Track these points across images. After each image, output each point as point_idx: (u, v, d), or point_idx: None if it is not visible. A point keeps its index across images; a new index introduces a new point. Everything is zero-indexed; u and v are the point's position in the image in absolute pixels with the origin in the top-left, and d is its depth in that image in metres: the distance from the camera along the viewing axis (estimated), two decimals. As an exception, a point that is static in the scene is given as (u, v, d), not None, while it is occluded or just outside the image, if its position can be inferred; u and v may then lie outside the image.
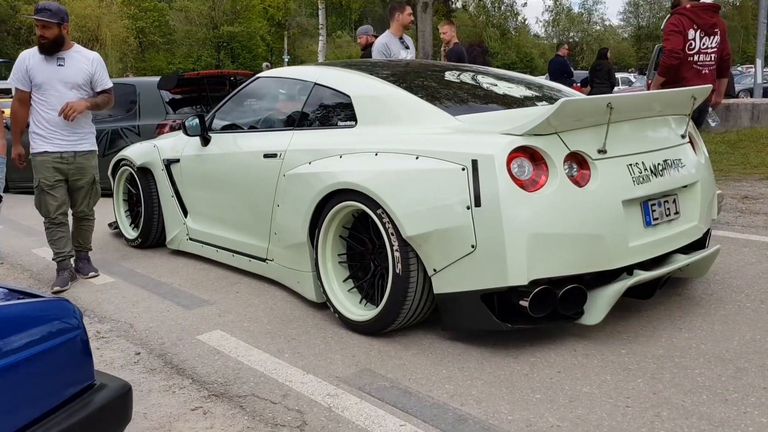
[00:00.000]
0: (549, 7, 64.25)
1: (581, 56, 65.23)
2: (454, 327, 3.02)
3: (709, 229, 3.64)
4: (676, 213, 3.21)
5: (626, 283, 2.89)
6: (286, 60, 35.23)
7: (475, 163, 2.80)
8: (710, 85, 3.53)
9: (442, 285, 2.94)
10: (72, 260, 4.44)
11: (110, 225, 5.71)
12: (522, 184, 2.78)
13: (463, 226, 2.81)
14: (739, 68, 28.34)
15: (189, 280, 4.30)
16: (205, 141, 4.46)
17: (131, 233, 5.32)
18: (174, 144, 4.84)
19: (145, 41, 50.69)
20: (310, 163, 3.51)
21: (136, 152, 5.14)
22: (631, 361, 2.80)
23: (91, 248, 4.58)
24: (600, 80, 12.97)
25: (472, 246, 2.80)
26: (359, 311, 3.27)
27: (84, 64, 4.13)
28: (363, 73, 3.71)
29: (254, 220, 4.01)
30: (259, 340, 3.24)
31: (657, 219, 3.10)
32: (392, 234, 3.01)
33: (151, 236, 5.10)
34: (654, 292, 3.20)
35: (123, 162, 5.28)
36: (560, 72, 13.16)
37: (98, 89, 4.16)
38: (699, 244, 3.47)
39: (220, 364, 3.00)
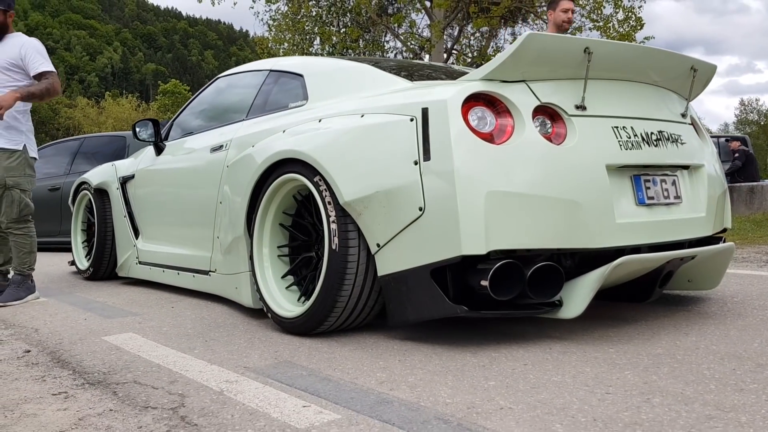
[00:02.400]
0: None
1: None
2: (402, 320, 2.43)
3: (723, 238, 3.07)
4: (677, 197, 2.67)
5: (611, 266, 2.30)
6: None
7: (425, 111, 2.33)
8: (715, 64, 3.05)
9: (387, 264, 2.40)
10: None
11: (70, 262, 5.26)
12: (482, 137, 2.28)
13: (409, 185, 2.30)
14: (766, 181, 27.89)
15: (126, 300, 3.78)
16: (159, 150, 4.06)
17: (84, 263, 4.85)
18: (131, 161, 4.45)
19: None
20: (253, 146, 3.06)
21: (95, 174, 4.76)
22: (619, 358, 2.18)
23: (21, 270, 3.85)
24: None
25: (420, 209, 2.28)
26: (293, 307, 2.71)
27: (14, 47, 3.75)
28: (318, 57, 3.32)
29: (200, 227, 3.52)
30: (172, 340, 2.68)
31: (652, 198, 2.56)
32: (329, 203, 2.51)
33: (103, 265, 4.61)
34: (653, 292, 2.62)
35: (83, 186, 4.89)
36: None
37: (32, 73, 3.76)
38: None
39: (113, 357, 2.44)
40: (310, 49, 19.05)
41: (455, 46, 17.56)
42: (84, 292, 4.17)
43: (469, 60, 17.86)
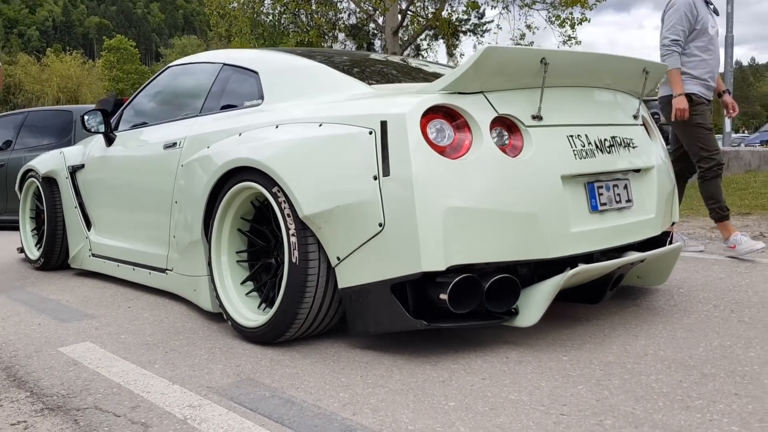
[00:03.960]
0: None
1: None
2: (363, 331, 2.47)
3: (670, 233, 3.17)
4: (628, 201, 2.74)
5: (565, 276, 2.37)
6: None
7: (384, 125, 2.32)
8: (665, 64, 3.12)
9: (347, 277, 2.42)
10: None
11: (19, 249, 5.12)
12: (440, 150, 2.29)
13: (369, 200, 2.31)
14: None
15: (80, 297, 3.72)
16: (110, 140, 3.96)
17: (35, 253, 4.74)
18: (81, 149, 4.33)
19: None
20: (208, 147, 3.01)
21: (42, 161, 4.62)
22: (573, 368, 2.26)
23: None
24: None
25: (380, 224, 2.29)
26: (254, 316, 2.71)
27: None
28: (273, 51, 3.26)
29: (154, 224, 3.47)
30: (132, 351, 2.67)
31: (605, 204, 2.62)
32: (288, 215, 2.50)
33: (55, 255, 4.51)
34: (604, 295, 2.69)
35: (30, 173, 4.74)
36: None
37: None
38: (657, 244, 2.99)
39: (72, 375, 2.42)
40: (261, 8, 18.59)
41: (410, 8, 17.36)
42: (36, 286, 4.08)
43: (424, 22, 17.71)
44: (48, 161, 4.54)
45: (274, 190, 2.54)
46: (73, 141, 7.24)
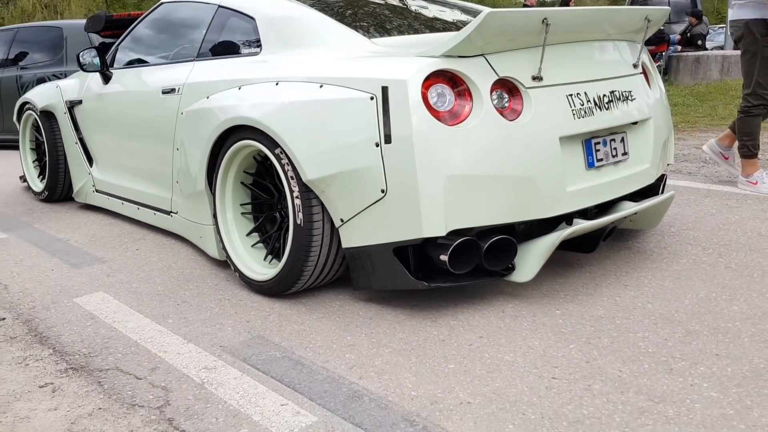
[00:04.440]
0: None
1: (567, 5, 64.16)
2: (366, 287, 2.58)
3: (664, 175, 3.24)
4: (624, 154, 2.79)
5: (561, 235, 2.47)
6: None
7: (385, 90, 2.34)
8: (668, 8, 3.08)
9: (350, 238, 2.51)
10: None
11: (21, 178, 5.17)
12: (441, 117, 2.32)
13: (371, 167, 2.37)
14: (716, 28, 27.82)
15: (88, 237, 3.82)
16: (106, 78, 3.94)
17: (38, 185, 4.80)
18: (78, 84, 4.30)
19: (111, -6, 48.91)
20: (208, 97, 3.02)
21: (39, 94, 4.59)
22: (565, 324, 2.40)
23: None
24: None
25: (382, 191, 2.36)
26: (262, 269, 2.82)
27: None
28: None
29: (157, 168, 3.52)
30: (144, 303, 2.79)
31: (601, 160, 2.68)
32: (292, 178, 2.56)
33: (58, 188, 4.58)
34: (597, 246, 2.79)
35: (27, 106, 4.72)
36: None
37: None
38: (651, 190, 3.07)
39: (90, 331, 2.55)
40: None
41: None
42: (43, 222, 4.17)
43: None
44: (45, 95, 4.51)
45: (277, 151, 2.59)
46: (65, 58, 7.13)
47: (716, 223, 3.53)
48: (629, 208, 2.79)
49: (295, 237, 2.57)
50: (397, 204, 2.34)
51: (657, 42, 12.51)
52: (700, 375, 2.02)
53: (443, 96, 2.36)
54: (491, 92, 2.40)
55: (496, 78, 2.41)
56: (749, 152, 4.16)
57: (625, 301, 2.58)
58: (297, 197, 2.55)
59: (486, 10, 2.25)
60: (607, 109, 2.67)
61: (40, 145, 4.82)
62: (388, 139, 2.32)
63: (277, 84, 2.70)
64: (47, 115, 4.49)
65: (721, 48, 15.98)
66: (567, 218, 2.63)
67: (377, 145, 2.34)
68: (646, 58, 3.08)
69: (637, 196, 2.94)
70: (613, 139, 2.74)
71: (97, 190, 4.22)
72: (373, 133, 2.35)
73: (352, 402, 1.95)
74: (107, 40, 7.29)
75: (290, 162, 2.54)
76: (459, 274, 2.42)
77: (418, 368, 2.13)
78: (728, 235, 3.31)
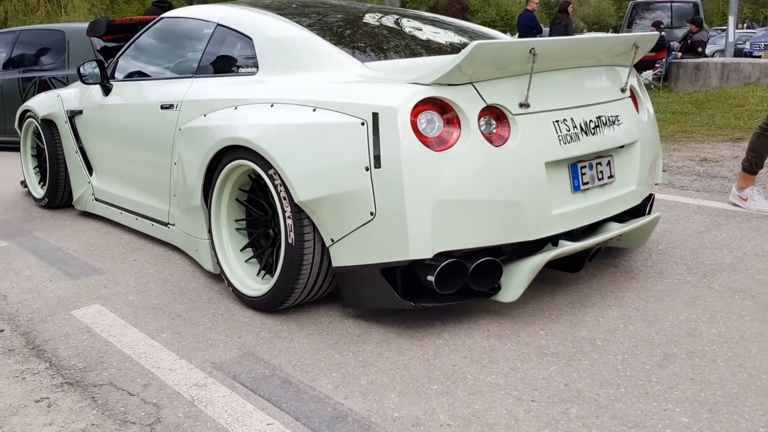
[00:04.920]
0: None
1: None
2: (356, 305, 2.66)
3: (651, 195, 3.31)
4: (611, 176, 2.85)
5: (545, 257, 2.54)
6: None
7: (375, 116, 2.40)
8: (657, 33, 3.14)
9: (340, 257, 2.57)
10: None
11: (22, 183, 5.25)
12: (429, 142, 2.39)
13: (361, 190, 2.43)
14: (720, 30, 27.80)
15: (87, 246, 3.89)
16: (106, 90, 4.01)
17: (39, 192, 4.87)
18: (79, 93, 4.36)
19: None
20: (205, 115, 3.09)
21: (40, 103, 4.66)
22: (548, 344, 2.47)
23: None
24: (557, 35, 12.52)
25: (371, 213, 2.43)
26: (254, 285, 2.89)
27: None
28: (270, 12, 3.26)
29: (155, 180, 3.59)
30: (140, 316, 2.86)
31: (587, 183, 2.74)
32: (284, 198, 2.62)
33: (59, 195, 4.65)
34: (583, 266, 2.86)
35: (28, 113, 4.79)
36: (528, 27, 12.71)
37: None
38: (639, 210, 3.14)
39: (86, 345, 2.62)
40: None
41: None
42: (43, 230, 4.24)
43: None
44: (45, 103, 4.58)
45: (270, 172, 2.65)
46: (67, 62, 7.20)
47: (703, 241, 3.59)
48: (615, 229, 2.86)
49: (286, 255, 2.64)
50: (385, 226, 2.40)
51: (657, 48, 12.55)
52: (674, 399, 2.08)
53: (432, 122, 2.42)
54: (479, 119, 2.47)
55: (484, 105, 2.47)
56: (750, 168, 4.22)
57: (608, 321, 2.65)
58: (289, 217, 2.61)
59: (474, 42, 2.30)
60: (593, 134, 2.73)
61: (41, 152, 4.88)
62: (377, 164, 2.39)
63: (272, 106, 2.77)
64: (48, 124, 4.56)
65: (722, 52, 16.03)
66: (553, 240, 2.69)
67: (367, 169, 2.41)
68: (635, 81, 3.14)
69: (625, 215, 3.01)
70: (600, 163, 2.81)
71: (96, 199, 4.29)
72: (364, 157, 2.42)
73: (336, 422, 2.02)
74: (109, 44, 7.37)
75: (283, 183, 2.61)
76: (445, 294, 2.49)
77: (402, 388, 2.20)
78: (714, 255, 3.37)
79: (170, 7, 7.31)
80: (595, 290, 2.96)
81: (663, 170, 5.50)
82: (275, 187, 2.65)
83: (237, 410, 2.11)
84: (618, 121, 2.87)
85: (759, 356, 2.34)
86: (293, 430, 1.99)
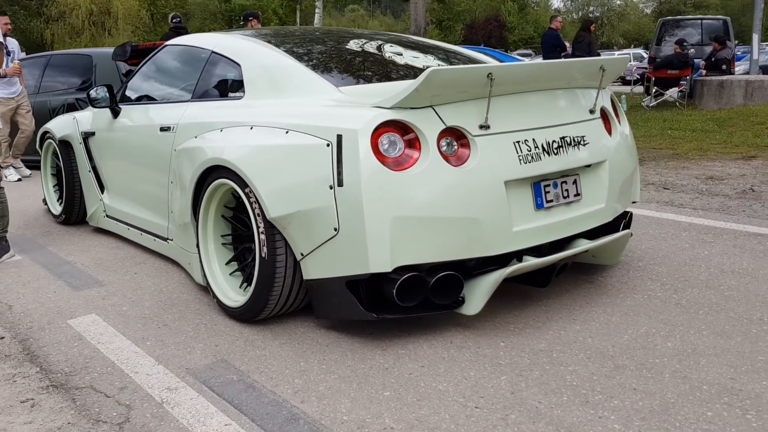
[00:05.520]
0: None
1: (601, 31, 64.08)
2: (325, 316, 2.80)
3: (629, 213, 3.40)
4: (577, 195, 2.96)
5: (503, 273, 2.65)
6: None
7: (339, 138, 2.56)
8: (626, 57, 3.24)
9: (309, 271, 2.73)
10: None
11: (43, 201, 5.53)
12: (390, 162, 2.54)
13: (325, 207, 2.59)
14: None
15: (94, 260, 4.11)
16: (115, 113, 4.25)
17: (57, 209, 5.15)
18: (92, 116, 4.63)
19: (157, 14, 50.45)
20: (195, 137, 3.29)
21: (57, 125, 4.94)
22: (505, 356, 2.57)
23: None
24: (581, 53, 12.57)
25: (335, 229, 2.58)
26: (236, 296, 3.06)
27: None
28: (259, 40, 3.46)
29: (156, 198, 3.80)
30: (130, 325, 3.05)
31: (551, 201, 2.85)
32: (259, 215, 2.79)
33: (74, 212, 4.91)
34: (549, 281, 2.96)
35: (47, 135, 5.08)
36: (552, 45, 12.81)
37: None
38: (614, 227, 3.22)
39: (75, 351, 2.81)
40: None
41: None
42: (56, 245, 4.49)
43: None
44: (62, 125, 4.86)
45: (246, 190, 2.83)
46: (94, 85, 7.54)
47: (684, 258, 3.65)
48: (583, 245, 2.96)
49: (260, 269, 2.80)
50: (347, 242, 2.55)
51: (681, 66, 12.52)
52: (611, 408, 2.17)
53: (394, 144, 2.57)
54: (440, 140, 2.61)
55: (444, 127, 2.61)
56: None
57: (569, 335, 2.74)
58: (262, 232, 2.78)
59: (430, 68, 2.45)
60: (556, 154, 2.84)
61: (60, 171, 5.16)
62: (340, 183, 2.54)
63: (251, 128, 2.95)
64: (65, 144, 4.83)
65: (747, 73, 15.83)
66: (518, 255, 2.80)
67: (331, 188, 2.56)
68: (608, 102, 3.25)
69: (596, 232, 3.10)
70: (565, 181, 2.91)
71: (107, 215, 4.53)
72: (328, 176, 2.57)
73: (289, 424, 2.16)
74: (134, 68, 7.71)
75: (257, 200, 2.78)
76: (408, 306, 2.62)
77: (356, 394, 2.33)
78: (691, 271, 3.43)
79: (186, 32, 7.62)
80: (564, 305, 3.05)
81: (666, 188, 5.55)
82: (251, 204, 2.82)
83: (200, 412, 2.27)
84: (584, 141, 2.98)
85: (706, 368, 2.41)
86: (248, 431, 2.14)
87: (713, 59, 12.79)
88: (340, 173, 2.54)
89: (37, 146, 5.31)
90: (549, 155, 2.82)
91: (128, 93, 4.31)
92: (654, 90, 12.61)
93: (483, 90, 2.63)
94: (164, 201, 3.68)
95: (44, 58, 8.29)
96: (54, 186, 5.29)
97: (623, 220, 3.32)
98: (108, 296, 3.45)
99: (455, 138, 2.65)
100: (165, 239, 3.80)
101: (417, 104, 2.58)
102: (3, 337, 3.01)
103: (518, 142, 2.74)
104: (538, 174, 2.77)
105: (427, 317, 2.93)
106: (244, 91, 3.26)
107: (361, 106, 2.68)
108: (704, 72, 12.76)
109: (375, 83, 3.10)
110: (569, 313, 2.96)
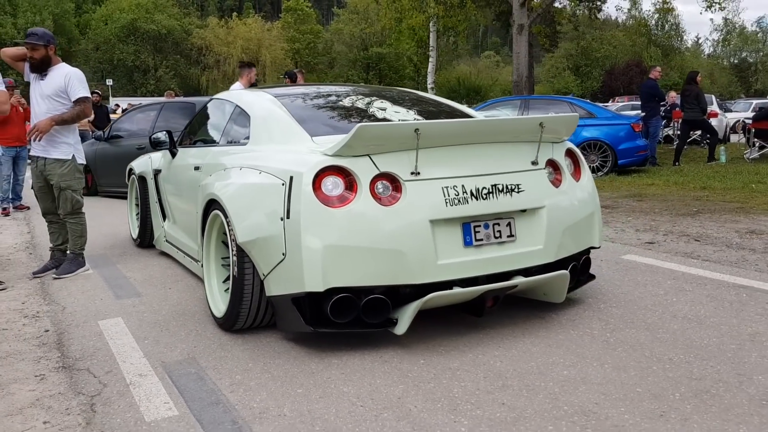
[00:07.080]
0: (718, 26, 61.56)
1: (755, 78, 60.80)
2: (281, 328, 3.34)
3: (586, 257, 3.68)
4: (510, 236, 3.32)
5: (422, 301, 3.07)
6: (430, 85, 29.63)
7: (291, 179, 3.13)
8: (573, 114, 3.58)
9: (270, 288, 3.28)
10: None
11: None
12: (329, 200, 3.06)
13: (277, 235, 3.14)
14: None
15: (145, 276, 4.90)
16: (173, 154, 5.07)
17: (135, 233, 6.06)
18: (161, 157, 5.50)
19: (300, 62, 53.89)
20: (210, 175, 3.97)
21: (138, 164, 5.88)
22: (418, 371, 2.98)
23: (73, 250, 5.03)
24: (690, 105, 12.40)
25: (283, 254, 3.12)
26: (223, 308, 3.67)
27: (59, 77, 4.76)
28: (269, 95, 4.12)
29: (191, 225, 4.53)
30: (142, 328, 3.73)
31: (481, 240, 3.24)
32: (233, 240, 3.40)
33: (146, 237, 5.79)
34: (483, 311, 3.33)
35: (131, 171, 6.04)
36: (651, 95, 12.75)
37: (72, 99, 4.78)
38: (562, 268, 3.52)
39: (91, 344, 3.52)
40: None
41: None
42: (124, 263, 5.35)
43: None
44: (141, 164, 5.79)
45: (227, 220, 3.45)
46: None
47: (648, 303, 3.85)
48: (515, 281, 3.31)
49: (233, 286, 3.40)
50: (291, 265, 3.09)
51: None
52: (471, 416, 2.54)
53: (336, 184, 3.10)
54: (375, 183, 3.10)
55: (378, 172, 3.11)
56: None
57: (485, 359, 3.10)
58: (235, 254, 3.38)
59: (358, 124, 2.97)
60: (485, 199, 3.24)
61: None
62: (288, 215, 3.10)
63: (240, 169, 3.59)
64: (142, 180, 5.74)
65: None
66: (449, 285, 3.21)
67: (282, 219, 3.12)
68: (560, 155, 3.59)
69: (541, 271, 3.43)
70: (497, 223, 3.30)
71: (166, 240, 5.34)
72: (280, 209, 3.14)
73: (210, 407, 2.71)
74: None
75: (232, 228, 3.39)
76: (342, 322, 3.10)
77: (275, 390, 2.84)
78: (643, 315, 3.64)
79: (251, 66, 8.48)
80: (500, 334, 3.40)
81: (696, 240, 5.63)
82: (230, 231, 3.44)
83: (152, 393, 2.86)
84: (519, 188, 3.35)
85: (579, 394, 2.70)
86: (178, 408, 2.70)
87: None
88: (288, 207, 3.10)
89: (126, 180, 6.29)
90: (477, 200, 3.22)
91: (184, 138, 5.13)
92: (756, 142, 12.18)
93: (413, 142, 3.10)
94: (195, 227, 4.39)
95: (159, 104, 9.54)
96: (136, 214, 6.22)
97: (574, 263, 3.61)
98: (138, 305, 4.18)
99: (389, 182, 3.14)
100: (197, 261, 4.50)
101: (355, 153, 3.10)
102: (48, 330, 3.79)
103: (447, 187, 3.18)
104: (465, 215, 3.19)
105: (373, 335, 3.38)
106: (249, 138, 3.92)
107: (315, 153, 3.24)
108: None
109: (342, 134, 3.65)
110: (499, 342, 3.30)
